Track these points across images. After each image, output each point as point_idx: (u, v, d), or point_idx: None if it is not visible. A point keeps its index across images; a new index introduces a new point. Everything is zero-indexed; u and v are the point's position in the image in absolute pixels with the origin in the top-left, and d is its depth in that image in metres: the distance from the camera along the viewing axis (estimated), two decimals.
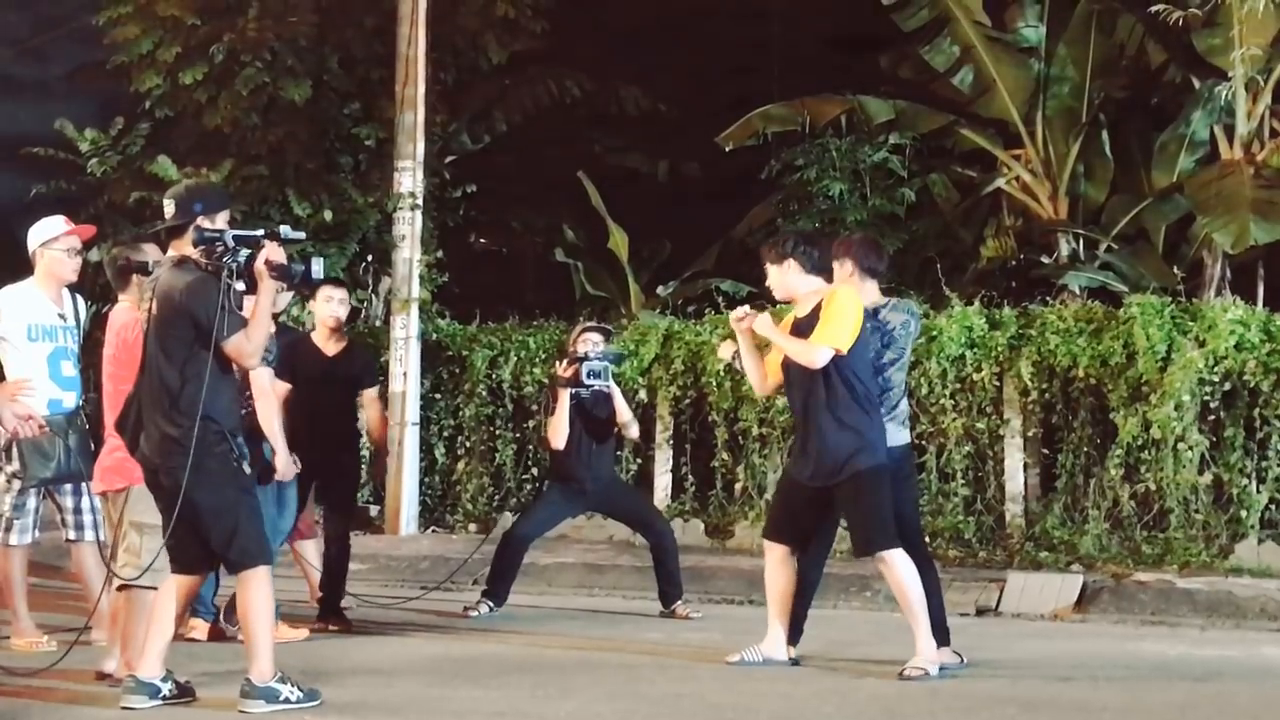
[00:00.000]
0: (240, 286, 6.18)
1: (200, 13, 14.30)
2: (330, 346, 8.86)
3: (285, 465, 7.93)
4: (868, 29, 15.97)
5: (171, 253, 6.36)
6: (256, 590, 6.15)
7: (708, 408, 12.08)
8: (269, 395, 7.79)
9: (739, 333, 7.32)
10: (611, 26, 18.72)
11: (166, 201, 6.39)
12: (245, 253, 6.18)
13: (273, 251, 6.20)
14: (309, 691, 6.22)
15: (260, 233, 6.31)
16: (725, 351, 7.65)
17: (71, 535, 7.78)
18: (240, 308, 6.23)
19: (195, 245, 6.21)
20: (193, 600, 6.70)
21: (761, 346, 7.44)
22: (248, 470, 6.33)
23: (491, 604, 9.18)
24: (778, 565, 7.26)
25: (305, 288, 6.81)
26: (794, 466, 7.33)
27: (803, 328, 7.08)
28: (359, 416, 9.55)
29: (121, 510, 6.65)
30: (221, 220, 6.34)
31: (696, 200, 18.44)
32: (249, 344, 6.16)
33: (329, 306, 8.77)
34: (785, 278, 7.19)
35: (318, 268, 6.51)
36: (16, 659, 7.15)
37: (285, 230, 6.39)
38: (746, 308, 7.34)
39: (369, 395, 9.17)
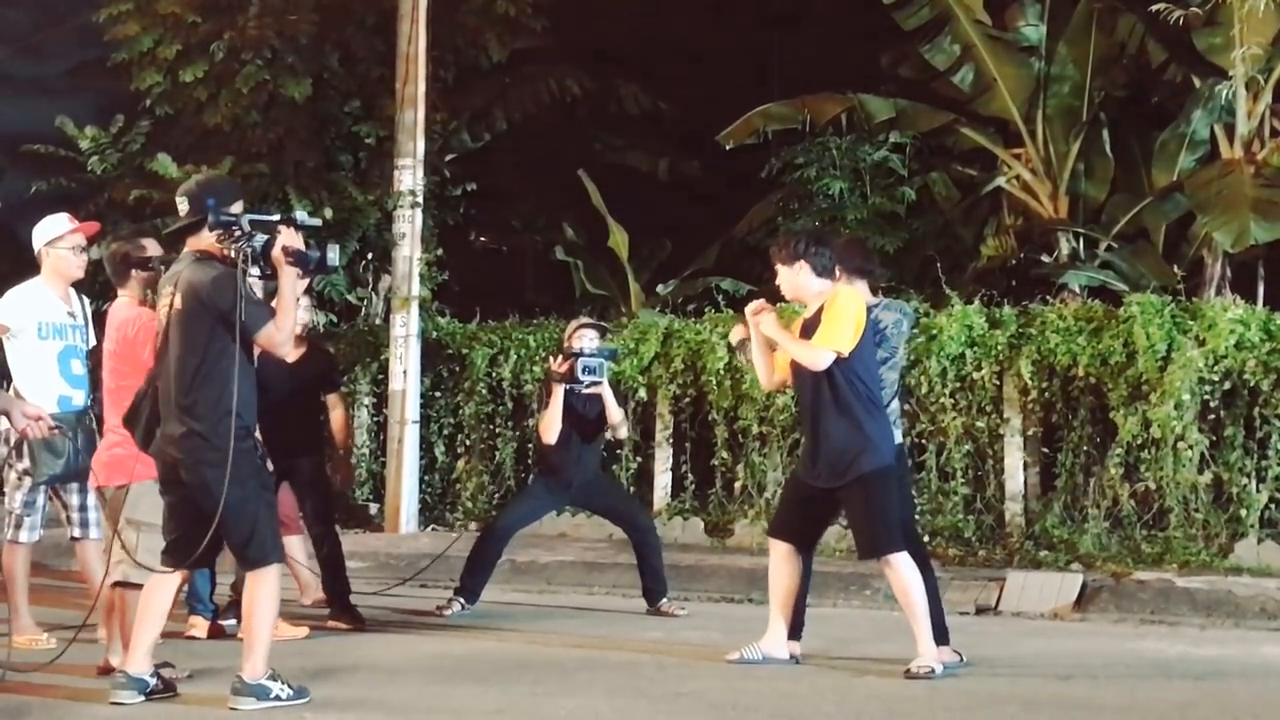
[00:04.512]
0: (255, 271, 6.15)
1: (200, 10, 14.31)
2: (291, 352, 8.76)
3: None
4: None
5: (189, 248, 6.30)
6: (267, 587, 6.14)
7: (708, 406, 12.08)
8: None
9: (752, 326, 7.28)
10: (612, 24, 18.71)
11: (179, 199, 6.33)
12: (262, 238, 6.15)
13: (289, 237, 6.17)
14: (298, 689, 6.22)
15: (276, 217, 6.28)
16: (735, 335, 7.62)
17: (76, 533, 7.78)
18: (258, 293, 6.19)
19: (212, 229, 6.14)
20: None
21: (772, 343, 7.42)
22: (270, 467, 6.32)
23: (464, 601, 9.04)
24: (781, 563, 7.25)
25: (320, 274, 6.78)
26: (801, 467, 7.34)
27: (809, 329, 7.08)
28: (322, 419, 9.35)
29: (120, 507, 6.64)
30: (235, 211, 6.28)
31: (697, 199, 18.44)
32: (279, 333, 6.13)
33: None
34: (797, 279, 7.16)
35: (333, 255, 6.44)
36: (16, 656, 7.14)
37: (301, 216, 6.35)
38: (763, 301, 7.30)
39: (332, 399, 9.13)
